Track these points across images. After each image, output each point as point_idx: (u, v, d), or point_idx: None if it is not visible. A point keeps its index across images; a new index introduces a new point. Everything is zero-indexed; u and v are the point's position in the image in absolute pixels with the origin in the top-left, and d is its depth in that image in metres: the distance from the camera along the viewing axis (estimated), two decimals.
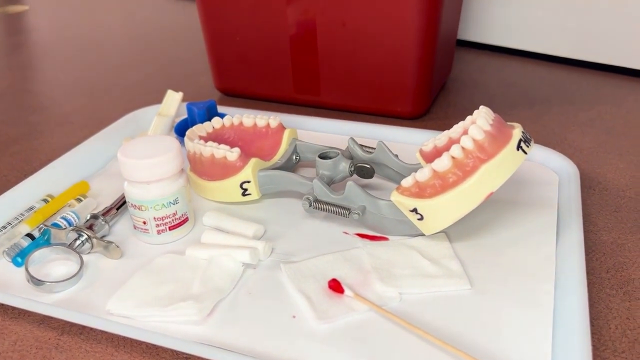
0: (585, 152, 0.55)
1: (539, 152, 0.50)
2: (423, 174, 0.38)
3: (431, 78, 0.61)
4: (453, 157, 0.37)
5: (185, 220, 0.42)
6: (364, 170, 0.46)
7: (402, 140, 0.55)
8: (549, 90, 0.70)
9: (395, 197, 0.39)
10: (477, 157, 0.37)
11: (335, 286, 0.36)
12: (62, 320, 0.36)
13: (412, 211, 0.39)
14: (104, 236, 0.43)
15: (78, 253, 0.40)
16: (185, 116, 0.56)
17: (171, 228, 0.41)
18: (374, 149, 0.47)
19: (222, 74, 0.69)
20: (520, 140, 0.38)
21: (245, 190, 0.44)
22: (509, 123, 0.40)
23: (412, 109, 0.62)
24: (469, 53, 0.84)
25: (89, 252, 0.41)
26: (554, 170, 0.49)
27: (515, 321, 0.34)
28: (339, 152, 0.46)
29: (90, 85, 0.76)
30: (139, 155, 0.39)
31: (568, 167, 0.48)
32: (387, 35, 0.57)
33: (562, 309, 0.34)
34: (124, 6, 1.18)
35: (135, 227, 0.42)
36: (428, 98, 0.62)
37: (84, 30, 1.02)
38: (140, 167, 0.39)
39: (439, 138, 0.44)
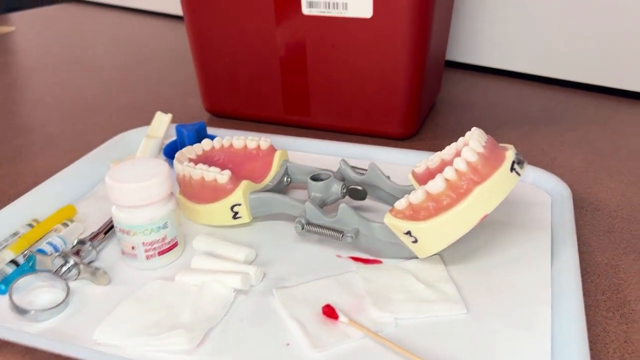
0: (576, 172, 0.55)
1: (530, 173, 0.50)
2: (417, 196, 0.38)
3: (421, 99, 0.61)
4: (447, 179, 0.37)
5: (175, 245, 0.41)
6: (356, 192, 0.45)
7: (394, 162, 0.55)
8: (536, 110, 0.70)
9: (389, 219, 0.39)
10: (470, 179, 0.37)
11: (330, 312, 0.35)
12: (47, 351, 0.35)
13: (406, 234, 0.38)
14: (91, 262, 0.41)
15: (64, 280, 0.38)
16: (175, 138, 0.55)
17: (160, 253, 0.40)
18: (366, 170, 0.46)
19: (211, 95, 0.68)
20: (513, 162, 0.37)
21: (236, 213, 0.44)
22: (501, 144, 0.40)
23: (402, 129, 0.62)
24: (456, 74, 0.84)
25: (75, 279, 0.40)
26: (546, 191, 0.49)
27: (513, 346, 0.33)
28: (331, 173, 0.46)
29: (77, 107, 0.75)
30: (127, 179, 0.38)
31: (561, 188, 0.48)
32: (377, 57, 0.57)
33: (559, 332, 0.34)
34: (111, 28, 1.17)
35: (123, 253, 0.41)
36: (418, 119, 0.62)
37: (71, 52, 1.02)
38: (128, 191, 0.38)
39: (431, 159, 0.44)
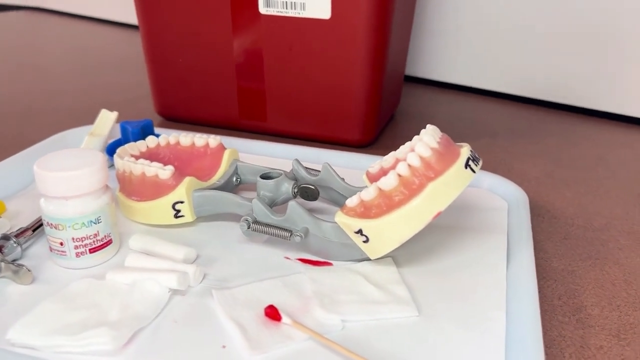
0: (534, 181, 0.55)
1: (487, 179, 0.49)
2: (368, 193, 0.36)
3: (379, 106, 0.60)
4: (399, 175, 0.35)
5: (109, 243, 0.38)
6: (308, 192, 0.43)
7: (350, 166, 0.53)
8: (497, 124, 0.70)
9: (340, 217, 0.37)
10: (423, 174, 0.35)
11: (272, 313, 0.33)
12: None
13: (357, 233, 0.36)
14: (15, 260, 0.38)
15: None
16: (120, 137, 0.52)
17: (92, 251, 0.37)
18: (319, 171, 0.44)
19: (164, 98, 0.66)
20: (468, 159, 0.36)
21: (178, 211, 0.41)
22: (457, 143, 0.39)
23: (360, 136, 0.60)
24: (417, 88, 0.84)
25: None
26: (502, 197, 0.48)
27: (466, 350, 0.31)
28: (282, 172, 0.43)
29: (23, 110, 0.71)
30: (57, 167, 0.35)
31: (517, 194, 0.47)
32: (335, 61, 0.56)
33: (514, 336, 0.32)
34: (68, 35, 1.14)
35: (51, 250, 0.37)
36: (376, 127, 0.61)
37: (25, 57, 0.98)
38: (57, 180, 0.35)
39: (385, 159, 0.42)
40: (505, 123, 0.70)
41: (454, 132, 0.67)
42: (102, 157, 0.37)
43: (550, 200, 0.51)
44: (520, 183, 0.54)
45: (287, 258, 0.39)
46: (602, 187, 0.54)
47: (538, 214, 0.48)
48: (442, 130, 0.67)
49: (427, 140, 0.36)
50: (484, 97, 0.80)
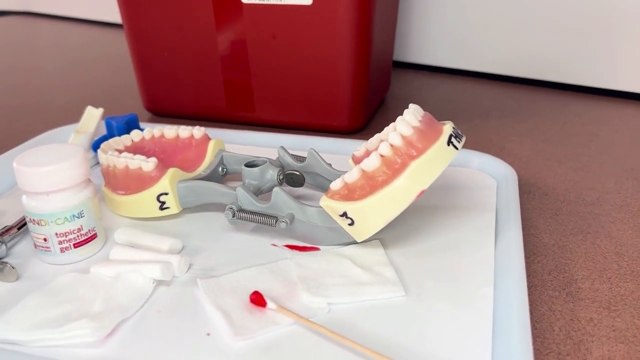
0: (524, 159, 0.54)
1: (476, 158, 0.49)
2: (352, 175, 0.35)
3: (367, 92, 0.59)
4: (381, 155, 0.35)
5: (94, 237, 0.38)
6: (293, 178, 0.43)
7: (339, 151, 0.53)
8: (487, 105, 0.69)
9: (325, 201, 0.36)
10: (406, 153, 0.34)
11: (257, 299, 0.33)
12: None
13: (342, 216, 0.36)
14: (0, 258, 0.38)
15: None
16: (105, 133, 0.52)
17: (76, 245, 0.37)
18: (305, 158, 0.44)
19: (151, 93, 0.65)
20: (450, 136, 0.36)
21: (163, 203, 0.41)
22: (440, 122, 0.38)
23: (349, 123, 0.60)
24: (407, 73, 0.83)
25: None
26: (492, 175, 0.47)
27: (453, 327, 0.31)
28: (267, 160, 0.43)
29: (11, 109, 0.71)
30: (36, 163, 0.35)
31: (506, 171, 0.46)
32: (319, 48, 0.56)
33: (502, 312, 0.31)
34: (55, 37, 1.13)
35: (35, 246, 0.37)
36: (365, 113, 0.60)
37: (13, 59, 0.97)
38: (37, 175, 0.34)
39: (370, 142, 0.42)
40: (495, 103, 0.69)
41: (445, 115, 0.66)
42: (82, 151, 0.37)
43: (541, 177, 0.50)
44: (511, 162, 0.53)
45: (274, 245, 0.39)
46: (593, 162, 0.53)
47: (529, 192, 0.48)
48: (433, 113, 0.66)
49: (408, 119, 0.35)
50: (473, 78, 0.80)
